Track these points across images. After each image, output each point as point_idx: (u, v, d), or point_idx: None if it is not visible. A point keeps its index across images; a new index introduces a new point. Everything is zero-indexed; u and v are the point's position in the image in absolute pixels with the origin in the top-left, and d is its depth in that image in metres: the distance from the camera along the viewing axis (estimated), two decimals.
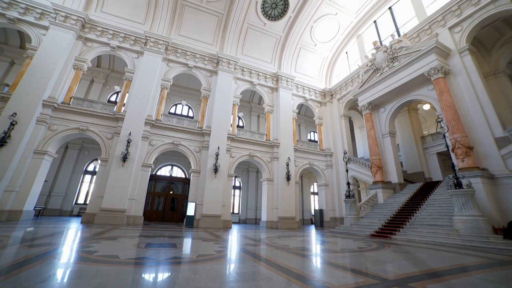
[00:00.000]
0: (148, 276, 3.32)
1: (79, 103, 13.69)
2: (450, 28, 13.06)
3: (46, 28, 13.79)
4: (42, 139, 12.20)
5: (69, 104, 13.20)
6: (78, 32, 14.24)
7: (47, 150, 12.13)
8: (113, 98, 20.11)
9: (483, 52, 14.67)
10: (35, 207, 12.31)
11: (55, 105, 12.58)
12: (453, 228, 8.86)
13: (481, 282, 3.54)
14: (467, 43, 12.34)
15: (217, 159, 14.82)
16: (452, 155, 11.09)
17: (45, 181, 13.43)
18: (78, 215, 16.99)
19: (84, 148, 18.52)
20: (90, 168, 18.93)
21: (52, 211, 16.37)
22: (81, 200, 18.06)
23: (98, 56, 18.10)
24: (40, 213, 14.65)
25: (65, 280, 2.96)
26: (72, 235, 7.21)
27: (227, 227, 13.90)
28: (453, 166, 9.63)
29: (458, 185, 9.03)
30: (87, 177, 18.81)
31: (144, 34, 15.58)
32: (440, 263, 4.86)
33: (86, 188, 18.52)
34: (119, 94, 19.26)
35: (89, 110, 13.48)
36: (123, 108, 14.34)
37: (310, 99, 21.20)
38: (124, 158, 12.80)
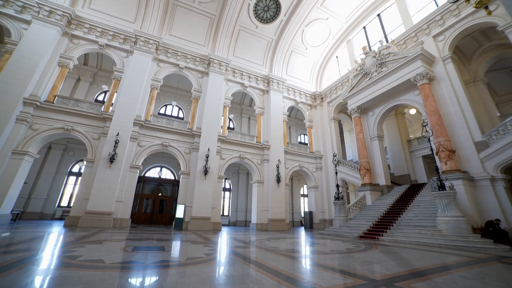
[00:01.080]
0: (134, 281, 3.23)
1: (64, 102, 13.18)
2: (434, 37, 13.66)
3: (28, 22, 13.20)
4: (22, 138, 11.63)
5: (53, 103, 12.68)
6: (63, 28, 13.75)
7: (28, 151, 11.56)
8: (100, 98, 19.52)
9: (464, 60, 15.42)
10: (12, 210, 11.66)
11: (38, 103, 12.03)
12: (437, 229, 9.18)
13: (461, 279, 3.71)
14: (449, 51, 12.94)
15: (207, 160, 14.68)
16: (436, 158, 11.55)
17: (25, 183, 12.79)
18: (60, 219, 16.27)
19: (69, 149, 17.81)
20: (75, 169, 18.22)
21: (31, 214, 15.55)
22: (64, 203, 17.30)
23: (85, 54, 17.55)
24: (18, 217, 13.91)
25: None
26: (53, 240, 6.89)
27: (216, 230, 13.75)
28: (437, 168, 10.02)
29: (442, 187, 9.39)
30: (72, 179, 18.08)
31: (134, 33, 15.28)
32: (424, 262, 5.03)
33: (70, 190, 17.79)
34: (107, 93, 18.74)
35: (74, 109, 13.01)
36: (111, 108, 13.95)
37: (301, 102, 21.47)
38: (112, 159, 12.42)
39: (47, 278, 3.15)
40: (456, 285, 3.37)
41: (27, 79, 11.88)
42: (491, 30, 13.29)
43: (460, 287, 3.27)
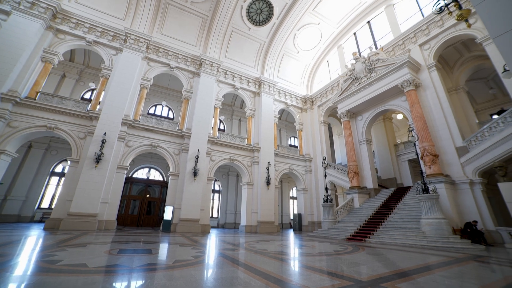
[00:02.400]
0: (119, 285, 3.13)
1: (47, 99, 12.64)
2: (421, 45, 14.25)
3: (7, 13, 12.54)
4: None
5: (35, 100, 12.14)
6: (47, 21, 13.21)
7: (5, 149, 10.96)
8: (87, 96, 18.90)
9: (447, 69, 16.18)
10: None
11: (17, 99, 11.46)
12: (421, 230, 9.50)
13: (441, 278, 3.87)
14: (434, 60, 13.54)
15: (196, 162, 14.51)
16: (421, 162, 11.97)
17: (1, 183, 12.10)
18: (40, 221, 15.52)
19: (52, 148, 17.05)
20: (58, 169, 17.45)
21: (7, 217, 14.61)
22: (45, 204, 16.51)
23: (71, 50, 16.96)
24: None
25: None
26: (31, 243, 6.56)
27: (205, 232, 13.58)
28: (421, 172, 10.40)
29: (426, 190, 9.75)
30: (54, 179, 17.29)
31: (124, 31, 14.94)
32: (408, 263, 5.18)
33: (52, 191, 17.00)
34: (95, 91, 18.19)
35: (59, 107, 12.51)
36: (98, 107, 13.55)
37: (292, 105, 21.70)
38: (98, 159, 12.03)
39: (23, 285, 2.97)
40: (437, 284, 3.51)
41: (5, 74, 11.26)
42: (471, 42, 14.02)
43: (440, 286, 3.40)
